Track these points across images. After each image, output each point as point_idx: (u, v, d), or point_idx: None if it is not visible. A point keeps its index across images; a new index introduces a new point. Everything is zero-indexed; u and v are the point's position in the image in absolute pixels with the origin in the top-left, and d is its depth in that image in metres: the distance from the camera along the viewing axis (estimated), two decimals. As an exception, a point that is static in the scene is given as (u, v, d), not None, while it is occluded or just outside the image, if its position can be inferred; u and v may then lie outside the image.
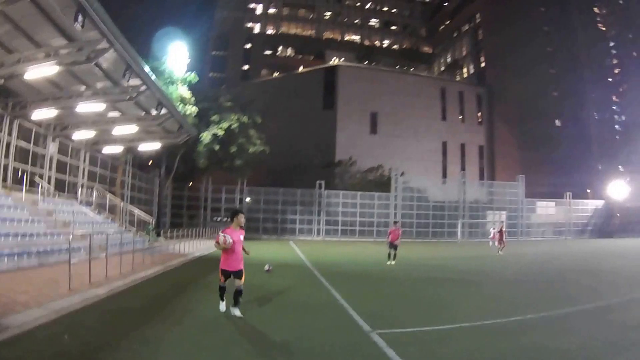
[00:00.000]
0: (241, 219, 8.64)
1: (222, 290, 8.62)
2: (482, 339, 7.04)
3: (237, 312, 8.22)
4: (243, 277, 8.46)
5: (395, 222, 22.78)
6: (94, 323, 7.86)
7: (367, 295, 11.34)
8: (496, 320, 8.23)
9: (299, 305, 9.80)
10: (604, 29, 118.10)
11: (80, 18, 12.67)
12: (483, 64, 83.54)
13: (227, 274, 8.40)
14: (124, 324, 7.74)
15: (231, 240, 8.14)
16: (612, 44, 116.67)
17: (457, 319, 8.43)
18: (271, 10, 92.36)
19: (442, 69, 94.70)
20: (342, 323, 8.00)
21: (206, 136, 35.48)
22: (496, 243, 28.32)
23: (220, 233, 8.13)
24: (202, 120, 34.83)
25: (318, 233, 47.28)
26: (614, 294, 11.24)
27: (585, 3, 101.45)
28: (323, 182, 47.69)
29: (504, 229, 29.39)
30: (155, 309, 9.14)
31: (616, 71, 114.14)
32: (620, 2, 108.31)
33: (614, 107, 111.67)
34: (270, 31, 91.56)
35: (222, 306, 8.61)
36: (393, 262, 18.97)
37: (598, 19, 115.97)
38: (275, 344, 6.70)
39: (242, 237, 8.50)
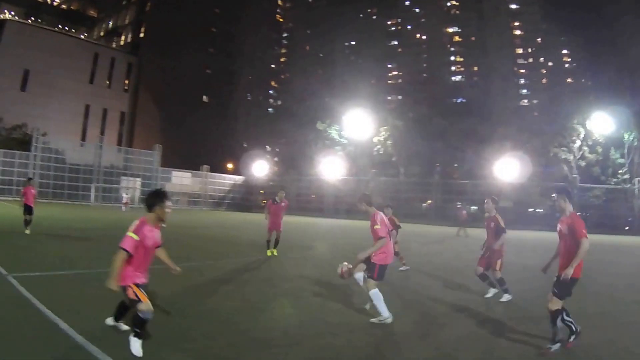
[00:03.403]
0: (167, 207, 6.40)
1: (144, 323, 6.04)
2: (92, 280, 9.72)
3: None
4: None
5: (29, 180, 21.40)
6: None
7: (6, 249, 14.14)
8: (104, 269, 8.61)
9: None
10: (281, 20, 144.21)
11: None
12: (142, 34, 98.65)
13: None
14: None
15: None
16: (285, 34, 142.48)
17: (70, 267, 11.74)
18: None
19: (102, 34, 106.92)
20: None
21: None
22: None
23: (133, 234, 6.05)
24: None
25: None
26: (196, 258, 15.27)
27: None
28: None
29: None
30: None
31: (282, 59, 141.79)
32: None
33: (271, 92, 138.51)
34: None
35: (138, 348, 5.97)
36: (27, 231, 18.39)
37: (278, 10, 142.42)
38: None
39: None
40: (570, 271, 6.64)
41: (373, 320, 8.17)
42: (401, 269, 14.40)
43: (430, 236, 33.63)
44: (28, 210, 19.02)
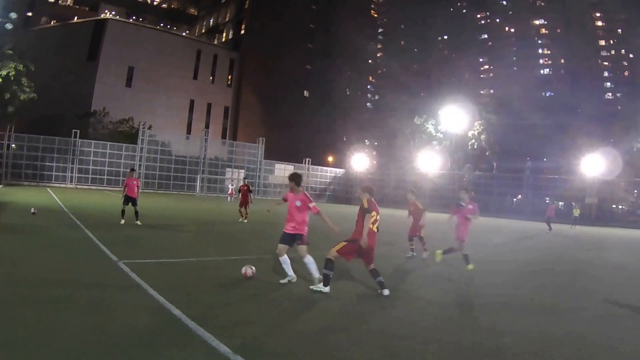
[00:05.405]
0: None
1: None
2: (198, 268, 10.30)
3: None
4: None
5: (131, 171, 19.42)
6: None
7: (114, 236, 14.34)
8: (209, 258, 11.89)
9: (61, 241, 12.82)
10: (375, 15, 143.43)
11: None
12: (243, 31, 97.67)
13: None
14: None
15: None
16: (380, 30, 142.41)
17: (177, 255, 11.74)
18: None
19: (203, 31, 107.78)
20: (95, 255, 10.85)
21: (-14, 84, 40.66)
22: (239, 206, 24.05)
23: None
24: None
25: (71, 180, 54.02)
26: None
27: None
28: (78, 132, 54.97)
29: (250, 187, 24.66)
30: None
31: (379, 54, 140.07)
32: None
33: (369, 87, 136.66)
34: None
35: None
36: (138, 222, 17.94)
37: (373, 6, 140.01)
38: (51, 273, 8.85)
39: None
40: None
41: (312, 287, 8.76)
42: (408, 255, 14.31)
43: (513, 231, 32.17)
44: (132, 201, 18.30)
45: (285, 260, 9.22)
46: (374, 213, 8.62)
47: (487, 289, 10.36)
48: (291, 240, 9.18)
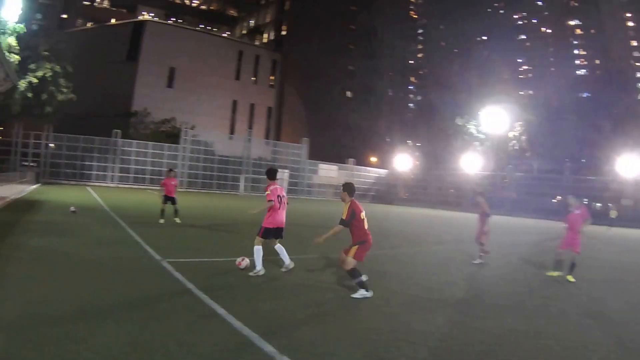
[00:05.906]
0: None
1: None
2: (226, 267, 9.90)
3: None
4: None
5: (170, 171, 19.47)
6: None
7: (157, 234, 14.44)
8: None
9: (103, 240, 12.59)
10: (415, 16, 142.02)
11: None
12: (284, 32, 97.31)
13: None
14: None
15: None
16: (420, 30, 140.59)
17: (220, 254, 11.80)
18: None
19: (244, 32, 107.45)
20: (139, 254, 10.83)
21: (22, 84, 41.13)
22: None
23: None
24: (21, 68, 39.40)
25: (112, 179, 53.48)
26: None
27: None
28: (119, 132, 54.16)
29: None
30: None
31: (419, 55, 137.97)
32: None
33: (411, 87, 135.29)
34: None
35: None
36: (178, 220, 18.20)
37: (412, 6, 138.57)
38: (94, 265, 9.23)
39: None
40: None
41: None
42: (475, 261, 13.30)
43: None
44: (171, 200, 18.58)
45: (279, 249, 10.00)
46: (362, 214, 8.46)
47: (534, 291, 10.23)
48: (274, 233, 9.90)
